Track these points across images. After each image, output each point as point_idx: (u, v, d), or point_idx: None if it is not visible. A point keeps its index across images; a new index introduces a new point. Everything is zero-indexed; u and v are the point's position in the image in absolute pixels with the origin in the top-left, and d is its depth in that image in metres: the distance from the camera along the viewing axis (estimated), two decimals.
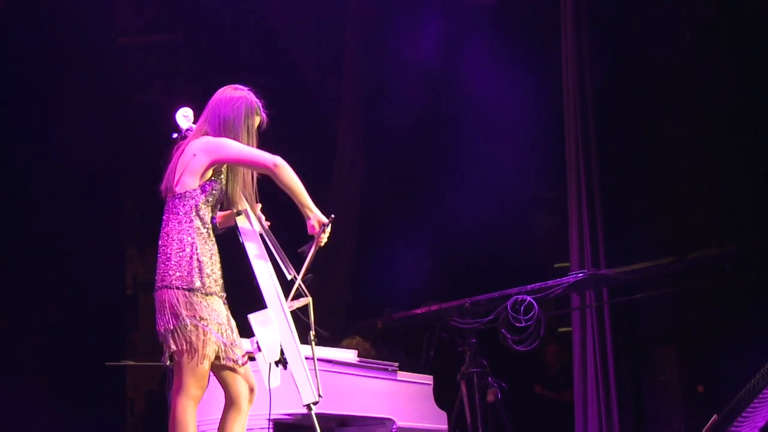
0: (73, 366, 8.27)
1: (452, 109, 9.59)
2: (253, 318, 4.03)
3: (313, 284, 4.17)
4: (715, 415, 4.90)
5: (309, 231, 4.16)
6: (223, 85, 4.34)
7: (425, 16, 9.37)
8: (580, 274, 7.50)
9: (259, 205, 4.30)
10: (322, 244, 4.15)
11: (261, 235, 4.20)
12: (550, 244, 9.82)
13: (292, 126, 8.44)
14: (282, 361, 4.00)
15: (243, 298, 4.22)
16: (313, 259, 4.12)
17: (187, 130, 4.30)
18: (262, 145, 4.27)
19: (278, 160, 4.09)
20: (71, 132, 8.21)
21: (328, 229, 4.15)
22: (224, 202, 4.22)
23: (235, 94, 4.24)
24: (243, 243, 4.16)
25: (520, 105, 8.92)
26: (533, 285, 7.34)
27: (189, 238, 4.02)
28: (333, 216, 4.16)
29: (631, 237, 8.16)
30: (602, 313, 7.73)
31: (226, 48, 9.50)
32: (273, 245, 4.19)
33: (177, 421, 3.94)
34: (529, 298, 7.20)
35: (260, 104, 4.28)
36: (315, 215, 4.14)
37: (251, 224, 4.19)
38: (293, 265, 4.19)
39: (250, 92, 4.29)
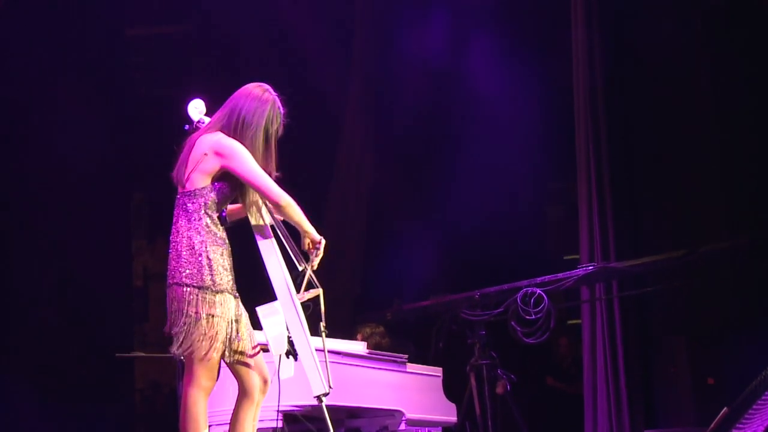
0: (83, 357, 8.30)
1: (461, 102, 9.57)
2: (261, 310, 4.05)
3: (309, 309, 4.16)
4: (725, 408, 4.88)
5: (302, 246, 4.18)
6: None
7: (434, 11, 9.35)
8: (590, 267, 7.50)
9: None
10: (315, 265, 4.17)
11: (272, 227, 4.19)
12: (560, 236, 9.81)
13: (300, 119, 8.43)
14: (292, 353, 4.01)
15: (256, 291, 4.22)
16: (309, 279, 4.12)
17: (198, 122, 4.25)
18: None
19: (283, 200, 4.06)
20: (80, 124, 8.23)
21: (321, 249, 4.15)
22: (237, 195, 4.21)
23: (263, 96, 4.16)
24: (254, 236, 4.16)
25: (530, 97, 8.90)
26: (543, 277, 7.35)
27: (198, 236, 4.02)
28: (322, 238, 4.16)
29: (642, 229, 8.14)
30: (612, 306, 7.72)
31: (236, 39, 9.49)
32: (284, 237, 4.19)
33: (188, 412, 3.96)
34: (538, 290, 7.20)
35: (283, 112, 4.21)
36: (308, 233, 4.16)
37: (262, 217, 4.18)
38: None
39: (277, 98, 4.21)
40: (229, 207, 4.22)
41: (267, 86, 4.23)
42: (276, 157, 4.18)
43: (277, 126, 4.18)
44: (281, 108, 4.21)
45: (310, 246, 4.17)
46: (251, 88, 4.20)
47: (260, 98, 4.16)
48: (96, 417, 8.00)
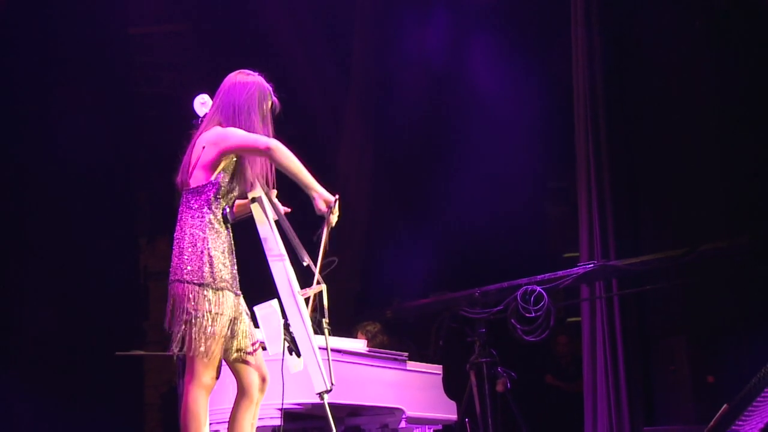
0: (84, 357, 8.31)
1: (461, 101, 9.58)
2: (258, 310, 4.06)
3: (335, 266, 4.15)
4: (725, 405, 4.89)
5: (316, 211, 4.14)
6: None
7: (434, 11, 9.36)
8: (590, 265, 7.51)
9: (275, 191, 4.30)
10: (334, 224, 4.13)
11: (277, 222, 4.20)
12: (560, 234, 9.82)
13: (300, 120, 8.46)
14: (294, 350, 4.03)
15: (261, 288, 4.23)
16: (328, 241, 4.10)
17: (204, 116, 4.29)
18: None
19: (272, 143, 4.06)
20: (83, 123, 8.24)
21: (336, 208, 4.12)
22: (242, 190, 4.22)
23: (247, 80, 4.23)
24: (257, 230, 4.17)
25: (529, 96, 8.91)
26: (543, 275, 7.36)
27: (201, 233, 4.04)
28: (338, 195, 4.14)
29: (641, 228, 8.15)
30: (612, 304, 7.73)
31: (237, 37, 9.50)
32: (288, 232, 4.20)
33: (189, 410, 3.97)
34: (538, 288, 7.22)
35: (271, 88, 4.28)
36: (320, 194, 4.12)
37: (265, 212, 4.19)
38: (309, 253, 4.20)
39: (260, 76, 4.28)
40: (237, 203, 4.24)
41: (248, 70, 4.29)
42: (273, 133, 4.21)
43: (268, 103, 4.23)
44: (268, 85, 4.26)
45: (323, 208, 4.10)
46: (234, 77, 4.26)
47: (245, 83, 4.21)
48: (96, 416, 7.99)
